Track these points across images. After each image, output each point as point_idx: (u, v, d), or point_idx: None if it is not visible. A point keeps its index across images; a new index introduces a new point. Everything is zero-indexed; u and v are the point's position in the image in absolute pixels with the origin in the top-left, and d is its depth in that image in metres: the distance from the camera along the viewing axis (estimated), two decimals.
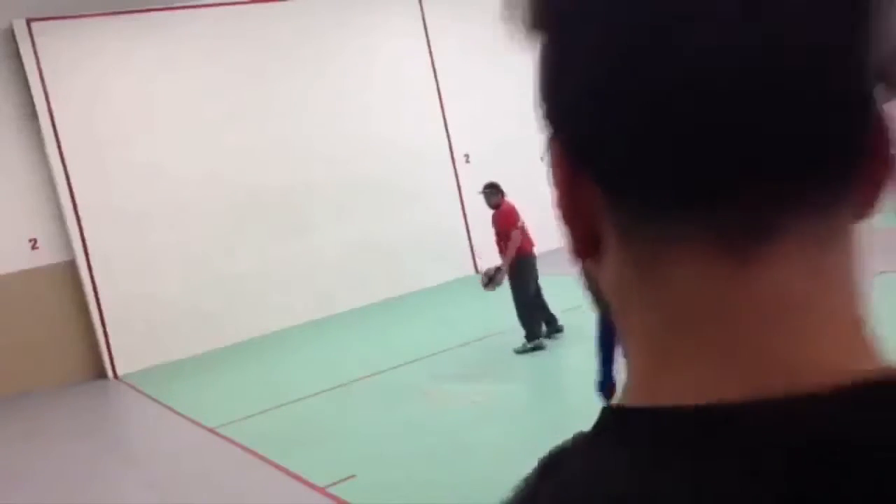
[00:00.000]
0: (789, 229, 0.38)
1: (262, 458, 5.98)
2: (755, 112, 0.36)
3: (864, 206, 0.41)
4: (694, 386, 0.39)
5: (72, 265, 10.63)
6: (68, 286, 10.64)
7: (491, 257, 12.79)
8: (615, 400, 0.43)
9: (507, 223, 7.58)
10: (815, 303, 0.39)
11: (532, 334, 7.52)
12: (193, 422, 7.40)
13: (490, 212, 7.81)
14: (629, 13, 0.37)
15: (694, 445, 0.37)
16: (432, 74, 12.90)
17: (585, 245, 0.44)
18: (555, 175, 0.44)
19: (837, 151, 0.38)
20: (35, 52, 10.34)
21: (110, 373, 10.55)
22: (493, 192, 7.74)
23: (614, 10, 0.38)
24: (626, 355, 0.43)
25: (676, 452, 0.37)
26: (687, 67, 0.36)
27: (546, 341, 7.60)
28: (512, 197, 7.85)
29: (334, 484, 5.14)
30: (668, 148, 0.37)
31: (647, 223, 0.40)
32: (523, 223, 7.60)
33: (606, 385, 4.82)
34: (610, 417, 0.42)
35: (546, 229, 6.87)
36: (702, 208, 0.38)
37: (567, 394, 6.56)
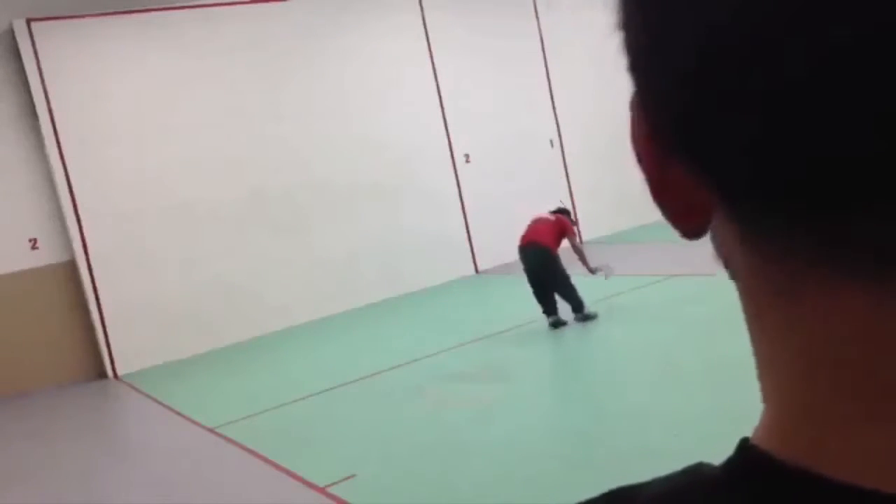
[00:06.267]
0: None
1: (262, 458, 5.98)
2: None
3: None
4: (864, 460, 0.30)
5: (72, 265, 10.63)
6: (68, 286, 10.63)
7: (490, 257, 12.84)
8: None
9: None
10: None
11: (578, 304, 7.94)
12: (193, 422, 7.40)
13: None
14: None
15: None
16: (432, 74, 12.89)
17: (689, 224, 0.35)
18: (637, 148, 0.35)
19: None
20: (35, 52, 10.33)
21: (110, 373, 10.54)
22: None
23: None
24: (760, 376, 0.36)
25: None
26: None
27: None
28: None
29: (334, 484, 5.14)
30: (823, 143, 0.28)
31: (776, 231, 0.31)
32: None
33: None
34: (760, 470, 0.33)
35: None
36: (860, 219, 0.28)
37: (567, 394, 6.56)
